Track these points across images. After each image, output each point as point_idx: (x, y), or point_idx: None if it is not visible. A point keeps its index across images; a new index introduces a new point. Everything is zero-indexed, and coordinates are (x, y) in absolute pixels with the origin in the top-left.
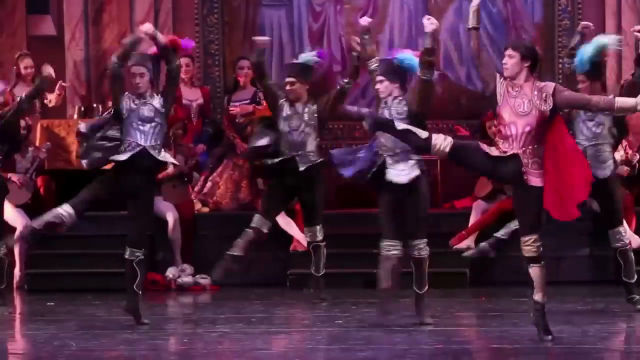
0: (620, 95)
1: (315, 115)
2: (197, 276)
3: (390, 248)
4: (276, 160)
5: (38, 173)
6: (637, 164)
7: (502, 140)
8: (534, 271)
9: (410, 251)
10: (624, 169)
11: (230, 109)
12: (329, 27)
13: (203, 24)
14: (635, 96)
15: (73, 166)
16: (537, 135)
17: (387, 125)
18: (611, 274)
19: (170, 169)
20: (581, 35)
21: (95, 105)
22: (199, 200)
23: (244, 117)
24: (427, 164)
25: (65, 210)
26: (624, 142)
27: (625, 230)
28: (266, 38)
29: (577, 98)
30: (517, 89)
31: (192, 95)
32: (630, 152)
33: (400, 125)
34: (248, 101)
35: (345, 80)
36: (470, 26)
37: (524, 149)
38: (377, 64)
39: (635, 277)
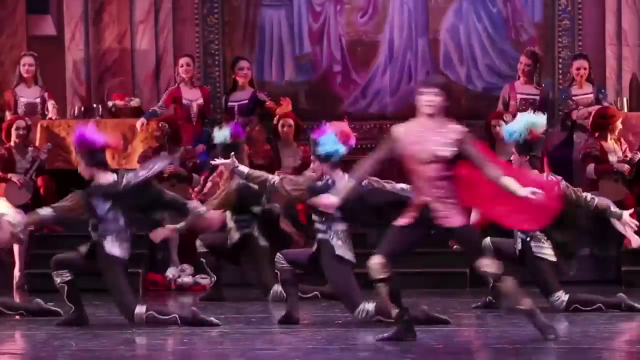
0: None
1: None
2: (197, 276)
3: None
4: None
5: (38, 173)
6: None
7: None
8: (504, 287)
9: None
10: (625, 167)
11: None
12: (329, 27)
13: (203, 24)
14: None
15: (73, 166)
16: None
17: None
18: (612, 273)
19: (167, 169)
20: None
21: (95, 105)
22: (199, 200)
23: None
24: None
25: None
26: (624, 144)
27: None
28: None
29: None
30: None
31: (192, 95)
32: (630, 154)
33: None
34: (247, 101)
35: None
36: None
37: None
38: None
39: None
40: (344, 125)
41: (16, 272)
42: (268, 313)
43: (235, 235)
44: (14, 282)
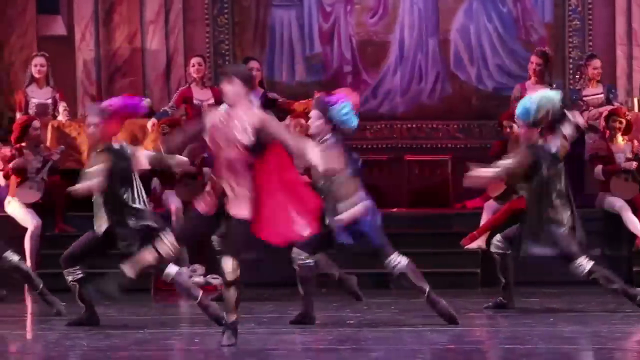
0: None
1: None
2: (209, 276)
3: None
4: None
5: (50, 173)
6: None
7: None
8: (226, 294)
9: None
10: (633, 165)
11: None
12: (339, 27)
13: (213, 24)
14: None
15: (84, 166)
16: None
17: None
18: (624, 273)
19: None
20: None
21: None
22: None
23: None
24: (438, 164)
25: None
26: (635, 142)
27: None
28: None
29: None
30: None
31: (203, 96)
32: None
33: None
34: (257, 101)
35: None
36: None
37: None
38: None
39: None
40: (356, 97)
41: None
42: (279, 313)
43: None
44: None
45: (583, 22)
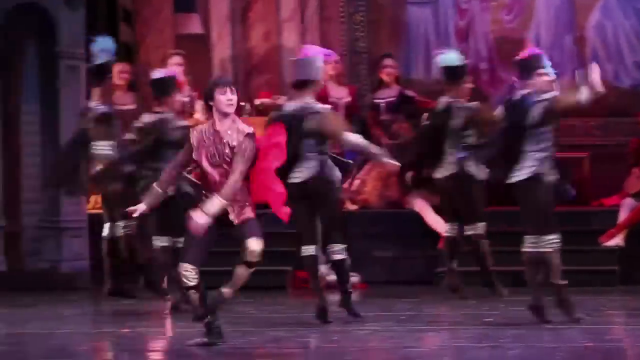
0: None
1: None
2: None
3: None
4: None
5: None
6: None
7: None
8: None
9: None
10: None
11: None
12: (475, 24)
13: (349, 22)
14: None
15: None
16: None
17: None
18: None
19: None
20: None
21: (242, 103)
22: (348, 198)
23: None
24: (575, 161)
25: None
26: None
27: None
28: None
29: None
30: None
31: (339, 94)
32: None
33: None
34: (394, 99)
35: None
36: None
37: None
38: None
39: None
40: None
41: None
42: (417, 311)
43: None
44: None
45: None
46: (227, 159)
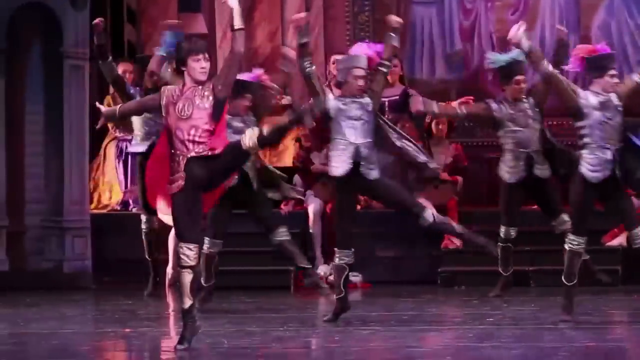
0: None
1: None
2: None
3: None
4: None
5: None
6: None
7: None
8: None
9: None
10: None
11: None
12: (480, 24)
13: (354, 21)
14: None
15: None
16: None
17: None
18: None
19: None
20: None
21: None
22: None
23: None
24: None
25: None
26: None
27: None
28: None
29: None
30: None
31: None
32: None
33: None
34: (397, 97)
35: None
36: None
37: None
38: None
39: None
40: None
41: (169, 270)
42: (419, 311)
43: None
44: (166, 280)
45: None
46: (197, 110)
